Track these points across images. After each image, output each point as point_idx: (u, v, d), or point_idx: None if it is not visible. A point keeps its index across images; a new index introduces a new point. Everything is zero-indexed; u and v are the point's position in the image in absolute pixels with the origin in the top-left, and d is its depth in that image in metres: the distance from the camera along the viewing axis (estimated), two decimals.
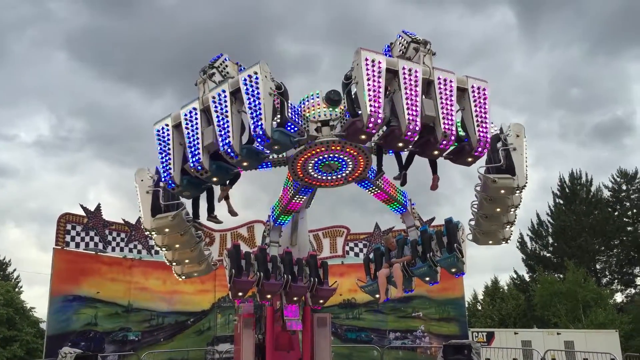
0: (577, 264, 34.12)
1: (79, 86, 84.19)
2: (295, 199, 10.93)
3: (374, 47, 6.33)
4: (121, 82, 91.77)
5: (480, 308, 39.17)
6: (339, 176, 9.92)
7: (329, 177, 9.95)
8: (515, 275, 41.82)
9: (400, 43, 7.53)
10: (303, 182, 10.16)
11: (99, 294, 17.91)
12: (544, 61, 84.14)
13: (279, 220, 11.54)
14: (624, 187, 41.34)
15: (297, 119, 8.45)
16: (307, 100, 9.58)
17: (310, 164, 9.45)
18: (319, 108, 9.27)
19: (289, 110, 7.73)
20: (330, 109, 9.09)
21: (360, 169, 9.69)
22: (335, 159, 9.30)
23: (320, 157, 9.23)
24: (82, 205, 18.57)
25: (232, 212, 9.06)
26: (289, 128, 7.78)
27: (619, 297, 39.06)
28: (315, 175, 9.85)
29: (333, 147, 8.88)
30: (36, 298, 68.95)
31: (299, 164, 9.45)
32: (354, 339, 21.01)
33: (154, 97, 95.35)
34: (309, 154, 9.13)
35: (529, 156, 7.95)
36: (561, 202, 41.97)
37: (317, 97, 9.42)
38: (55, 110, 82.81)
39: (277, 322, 11.48)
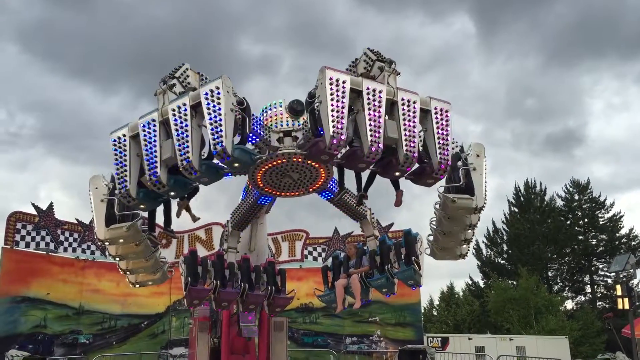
0: (530, 271, 34.96)
1: (30, 81, 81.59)
2: (255, 206, 10.82)
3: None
4: (75, 78, 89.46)
5: (435, 313, 39.80)
6: (300, 188, 9.84)
7: (290, 189, 9.86)
8: (470, 282, 42.67)
9: (364, 60, 7.49)
10: (263, 192, 10.05)
11: (49, 296, 17.40)
12: (501, 71, 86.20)
13: (238, 227, 11.39)
14: (576, 197, 42.67)
15: (258, 130, 8.33)
16: (270, 109, 9.46)
17: (272, 175, 9.34)
18: (281, 118, 9.16)
19: (251, 124, 7.60)
20: (293, 119, 8.99)
21: (322, 180, 9.63)
22: (297, 171, 9.21)
23: (282, 169, 9.12)
24: (33, 204, 18.01)
25: (194, 218, 8.93)
26: (251, 139, 7.68)
27: (569, 304, 40.30)
28: (276, 186, 9.74)
29: (294, 159, 8.80)
30: None
31: (259, 174, 9.33)
32: (310, 344, 21.00)
33: (109, 94, 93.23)
34: (270, 165, 9.02)
35: (487, 167, 8.07)
36: (516, 210, 43.05)
37: (280, 107, 9.31)
38: (6, 104, 80.00)
39: (233, 326, 11.33)
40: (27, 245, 17.48)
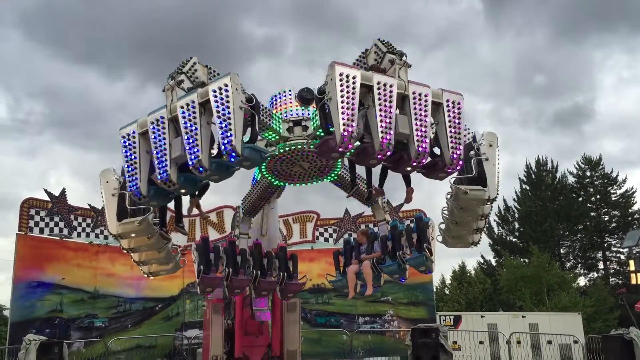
0: (541, 248, 34.93)
1: (36, 67, 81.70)
2: (266, 193, 10.84)
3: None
4: (79, 63, 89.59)
5: (447, 292, 39.83)
6: (311, 175, 9.82)
7: (300, 176, 9.84)
8: (482, 260, 42.71)
9: (375, 52, 7.37)
10: (274, 180, 10.05)
11: (64, 280, 17.56)
12: (510, 48, 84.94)
13: (249, 212, 11.42)
14: (588, 174, 42.37)
15: (267, 120, 8.26)
16: (279, 98, 9.38)
17: (282, 164, 9.32)
18: (290, 107, 9.09)
19: (260, 119, 7.54)
20: (303, 108, 8.91)
21: (333, 169, 9.60)
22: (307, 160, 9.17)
23: (292, 158, 9.08)
24: (46, 190, 18.12)
25: (204, 216, 8.94)
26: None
27: (582, 281, 40.32)
28: (287, 174, 9.72)
29: (305, 149, 8.74)
30: None
31: (269, 164, 9.31)
32: (323, 324, 21.10)
33: (114, 79, 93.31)
34: (281, 155, 8.99)
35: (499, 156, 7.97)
36: (527, 188, 42.88)
37: (289, 95, 9.22)
38: (12, 91, 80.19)
39: (247, 308, 11.43)
40: (41, 231, 17.61)
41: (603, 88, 75.98)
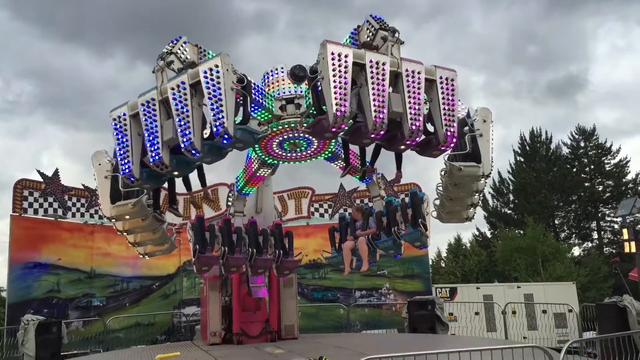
0: (536, 219, 35.05)
1: (24, 47, 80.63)
2: (260, 172, 10.80)
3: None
4: (68, 42, 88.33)
5: (443, 265, 40.05)
6: (305, 153, 9.77)
7: (294, 155, 9.79)
8: (477, 232, 42.86)
9: (367, 29, 7.26)
10: (268, 158, 9.99)
11: (60, 261, 17.54)
12: (503, 18, 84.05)
13: (244, 191, 11.40)
14: (582, 144, 42.38)
15: (261, 100, 8.17)
16: (271, 75, 9.26)
17: (275, 142, 9.26)
18: (283, 84, 8.98)
19: (253, 91, 7.44)
20: (295, 85, 8.81)
21: (326, 146, 9.54)
22: (301, 138, 9.11)
23: (285, 137, 9.02)
24: (39, 171, 18.01)
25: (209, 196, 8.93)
26: (252, 110, 7.57)
27: (576, 251, 40.54)
28: (280, 153, 9.67)
29: (298, 127, 8.68)
30: None
31: (263, 142, 9.25)
32: (320, 299, 21.19)
33: (104, 57, 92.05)
34: (274, 134, 8.92)
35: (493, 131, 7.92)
36: (522, 159, 42.88)
37: (282, 72, 9.11)
38: (1, 72, 79.27)
39: (244, 285, 11.49)
40: (35, 212, 17.50)
41: (597, 58, 75.67)
